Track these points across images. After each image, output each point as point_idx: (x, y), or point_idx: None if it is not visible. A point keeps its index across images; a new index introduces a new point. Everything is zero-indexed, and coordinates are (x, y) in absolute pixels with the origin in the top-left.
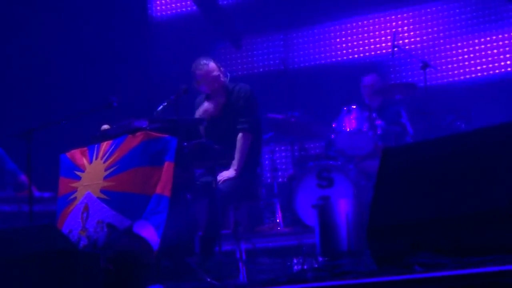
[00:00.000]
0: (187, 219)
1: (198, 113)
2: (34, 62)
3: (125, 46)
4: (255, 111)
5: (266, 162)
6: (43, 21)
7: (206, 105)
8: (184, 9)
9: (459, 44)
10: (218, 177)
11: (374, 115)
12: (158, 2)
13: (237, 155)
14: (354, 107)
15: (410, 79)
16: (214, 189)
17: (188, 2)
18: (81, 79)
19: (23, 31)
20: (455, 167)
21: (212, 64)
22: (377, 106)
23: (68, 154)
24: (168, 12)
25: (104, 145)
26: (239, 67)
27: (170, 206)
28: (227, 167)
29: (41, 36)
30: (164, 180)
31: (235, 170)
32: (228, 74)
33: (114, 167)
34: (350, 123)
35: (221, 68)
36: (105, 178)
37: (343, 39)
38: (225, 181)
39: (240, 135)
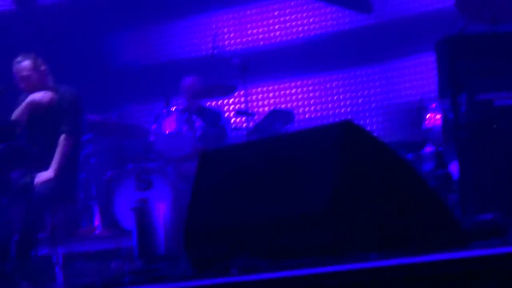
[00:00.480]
0: (1, 223)
1: (17, 112)
2: None
3: None
4: (79, 114)
5: (84, 164)
6: None
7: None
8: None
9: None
10: (36, 178)
11: (193, 117)
12: None
13: (56, 156)
14: (173, 108)
15: (231, 81)
16: (31, 191)
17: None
18: None
19: None
20: (270, 170)
21: (27, 62)
22: (197, 107)
23: None
24: None
25: None
26: None
27: None
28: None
29: None
30: None
31: (54, 170)
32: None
33: None
34: (169, 125)
35: (41, 67)
36: None
37: (165, 40)
38: (42, 183)
39: (62, 136)
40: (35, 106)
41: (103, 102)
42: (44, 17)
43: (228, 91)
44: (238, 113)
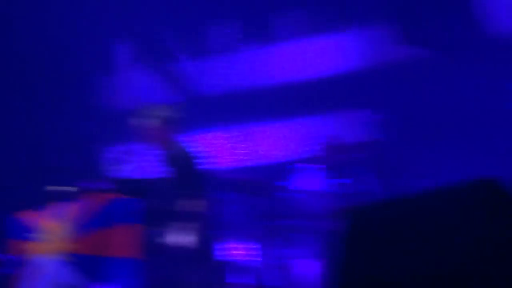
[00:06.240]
0: (148, 281)
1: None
2: None
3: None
4: (201, 173)
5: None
6: None
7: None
8: None
9: None
10: (178, 238)
11: (334, 173)
12: None
13: (191, 218)
14: (313, 165)
15: (370, 136)
16: (171, 249)
17: None
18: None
19: None
20: (418, 227)
21: (150, 117)
22: (337, 164)
23: (20, 215)
24: None
25: (64, 207)
26: None
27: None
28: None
29: None
30: (123, 242)
31: (187, 230)
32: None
33: (75, 229)
34: (311, 182)
35: (168, 123)
36: (66, 239)
37: None
38: (183, 243)
39: (193, 199)
40: None
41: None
42: None
43: (368, 147)
44: (380, 170)
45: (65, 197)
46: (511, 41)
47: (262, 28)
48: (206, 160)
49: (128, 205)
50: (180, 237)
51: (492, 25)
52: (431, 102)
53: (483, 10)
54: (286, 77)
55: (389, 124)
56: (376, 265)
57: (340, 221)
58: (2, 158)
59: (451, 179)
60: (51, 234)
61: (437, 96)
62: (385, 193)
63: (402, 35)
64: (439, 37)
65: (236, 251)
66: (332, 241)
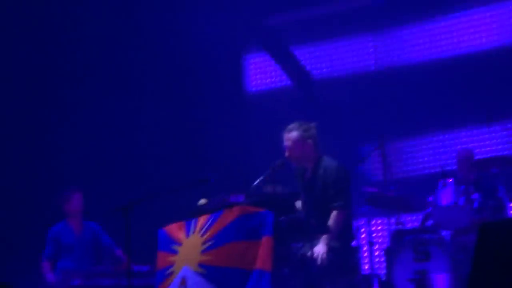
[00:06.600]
0: None
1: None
2: (134, 138)
3: (222, 120)
4: (347, 187)
5: (362, 235)
6: (143, 98)
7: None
8: (278, 84)
9: None
10: (312, 251)
11: (470, 188)
12: (253, 77)
13: (331, 232)
14: (450, 180)
15: (507, 152)
16: (311, 263)
17: (283, 77)
18: (178, 154)
19: (120, 114)
20: None
21: (294, 133)
22: (473, 179)
23: (165, 229)
24: (263, 86)
25: (202, 220)
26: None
27: None
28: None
29: (139, 115)
30: (263, 255)
31: (326, 244)
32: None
33: (212, 241)
34: (446, 197)
35: (308, 140)
36: (203, 252)
37: None
38: (322, 255)
39: (334, 212)
40: None
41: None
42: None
43: (505, 163)
44: None
45: (208, 210)
46: None
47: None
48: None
49: (266, 218)
50: (316, 250)
51: None
52: None
53: None
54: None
55: None
56: (505, 280)
57: (474, 235)
58: (154, 171)
59: None
60: (188, 246)
61: None
62: None
63: None
64: None
65: (377, 264)
66: (467, 255)
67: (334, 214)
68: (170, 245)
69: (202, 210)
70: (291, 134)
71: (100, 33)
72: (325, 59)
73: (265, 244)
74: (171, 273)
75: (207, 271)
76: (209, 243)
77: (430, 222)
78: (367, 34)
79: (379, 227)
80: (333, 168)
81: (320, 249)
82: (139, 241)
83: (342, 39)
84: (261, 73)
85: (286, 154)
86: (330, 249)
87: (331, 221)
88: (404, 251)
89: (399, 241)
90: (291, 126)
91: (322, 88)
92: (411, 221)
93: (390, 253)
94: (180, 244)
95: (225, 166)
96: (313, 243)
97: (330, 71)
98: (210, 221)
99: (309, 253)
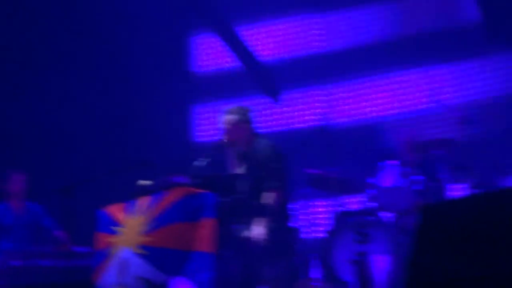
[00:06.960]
0: (222, 276)
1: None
2: (78, 120)
3: (166, 101)
4: (280, 167)
5: (302, 217)
6: (84, 79)
7: (233, 159)
8: (224, 66)
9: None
10: (250, 232)
11: (412, 170)
12: (199, 58)
13: (266, 213)
14: (392, 163)
15: (448, 134)
16: (251, 244)
17: (231, 58)
18: (122, 136)
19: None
20: (495, 226)
21: (231, 116)
22: (415, 161)
23: (105, 210)
24: (211, 67)
25: (143, 200)
26: (279, 122)
27: None
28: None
29: (82, 95)
30: (204, 236)
31: (264, 226)
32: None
33: (153, 223)
34: (388, 179)
35: (244, 124)
36: (144, 233)
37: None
38: (259, 237)
39: (269, 193)
40: None
41: (323, 156)
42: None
43: (445, 145)
44: (456, 167)
45: (150, 191)
46: None
47: None
48: None
49: (208, 199)
50: (255, 231)
51: None
52: None
53: None
54: None
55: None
56: (446, 261)
57: (415, 217)
58: (96, 153)
59: None
60: (128, 227)
61: None
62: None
63: None
64: None
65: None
66: (408, 237)
67: (268, 194)
68: (109, 226)
69: (143, 191)
70: (229, 117)
71: (38, 13)
72: (272, 39)
73: (205, 225)
74: (110, 254)
75: (148, 252)
76: (150, 224)
77: (373, 204)
78: (315, 15)
79: (320, 209)
80: (265, 148)
81: (257, 230)
82: (82, 222)
83: (289, 19)
84: (209, 54)
85: (224, 136)
86: (267, 230)
87: (265, 201)
88: (346, 232)
89: (341, 222)
90: (229, 109)
91: (269, 70)
92: (352, 203)
93: (331, 235)
94: (120, 225)
95: (169, 148)
96: (251, 224)
97: (276, 52)
98: (152, 202)
99: (247, 234)
